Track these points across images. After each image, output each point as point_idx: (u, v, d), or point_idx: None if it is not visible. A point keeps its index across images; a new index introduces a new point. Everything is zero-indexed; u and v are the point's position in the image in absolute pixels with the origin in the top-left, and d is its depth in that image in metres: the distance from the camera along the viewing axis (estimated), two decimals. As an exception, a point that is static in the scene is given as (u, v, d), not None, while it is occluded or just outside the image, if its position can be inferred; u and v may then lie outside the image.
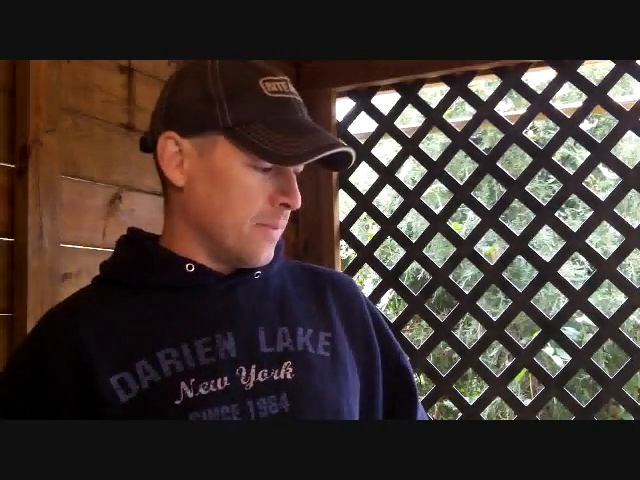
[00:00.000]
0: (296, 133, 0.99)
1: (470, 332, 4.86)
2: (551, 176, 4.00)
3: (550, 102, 2.36)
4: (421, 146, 2.51)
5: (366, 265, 2.60)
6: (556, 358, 4.36)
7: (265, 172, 1.01)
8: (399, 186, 2.55)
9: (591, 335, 2.29)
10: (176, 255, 1.04)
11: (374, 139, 2.58)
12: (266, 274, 1.09)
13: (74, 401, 0.98)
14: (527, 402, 2.36)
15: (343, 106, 2.70)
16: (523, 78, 2.38)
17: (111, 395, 0.97)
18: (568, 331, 2.88)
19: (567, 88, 2.44)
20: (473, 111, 2.46)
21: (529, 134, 5.02)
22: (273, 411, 1.00)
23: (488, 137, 5.17)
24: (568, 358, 2.29)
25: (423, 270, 4.06)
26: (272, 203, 1.01)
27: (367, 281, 4.98)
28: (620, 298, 3.79)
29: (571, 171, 2.34)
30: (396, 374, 1.17)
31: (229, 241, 1.02)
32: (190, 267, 1.03)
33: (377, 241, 2.57)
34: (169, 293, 1.03)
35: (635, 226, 2.21)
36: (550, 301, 4.66)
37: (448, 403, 4.48)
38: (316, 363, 1.06)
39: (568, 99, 5.11)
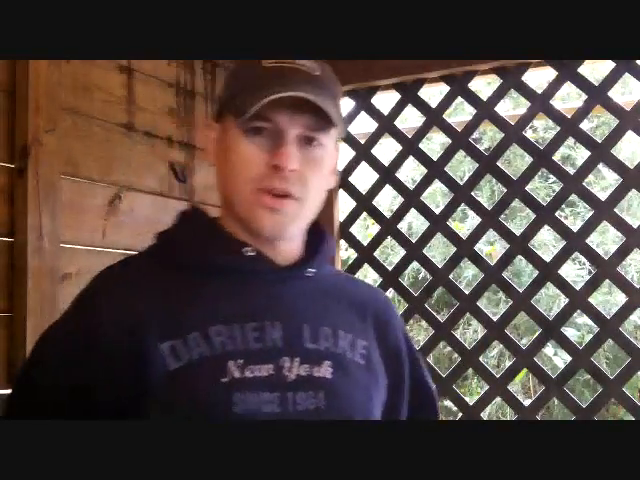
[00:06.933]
0: (268, 87, 1.00)
1: (470, 332, 4.86)
2: (551, 176, 3.99)
3: (550, 102, 2.36)
4: (421, 146, 2.51)
5: (366, 265, 2.59)
6: (556, 359, 4.35)
7: (257, 135, 1.02)
8: (399, 186, 2.54)
9: (592, 336, 2.29)
10: (235, 238, 1.06)
11: (374, 139, 2.58)
12: (318, 275, 1.11)
13: (121, 364, 0.98)
14: (527, 402, 2.36)
15: (343, 106, 2.69)
16: (523, 78, 2.38)
17: (161, 360, 0.97)
18: (568, 332, 2.87)
19: (567, 88, 2.43)
20: (473, 111, 2.46)
21: (528, 134, 5.01)
22: (310, 407, 1.01)
23: (488, 137, 5.16)
24: (568, 359, 2.28)
25: (423, 270, 4.05)
26: (267, 166, 1.02)
27: (367, 281, 4.96)
28: (620, 298, 3.78)
29: (571, 171, 2.34)
30: (419, 396, 1.20)
31: (237, 208, 1.04)
32: (247, 251, 1.05)
33: (377, 241, 2.57)
34: (222, 274, 1.04)
35: (635, 226, 2.21)
36: (550, 301, 4.65)
37: (448, 403, 4.47)
38: (353, 369, 1.08)
39: (568, 99, 5.10)
